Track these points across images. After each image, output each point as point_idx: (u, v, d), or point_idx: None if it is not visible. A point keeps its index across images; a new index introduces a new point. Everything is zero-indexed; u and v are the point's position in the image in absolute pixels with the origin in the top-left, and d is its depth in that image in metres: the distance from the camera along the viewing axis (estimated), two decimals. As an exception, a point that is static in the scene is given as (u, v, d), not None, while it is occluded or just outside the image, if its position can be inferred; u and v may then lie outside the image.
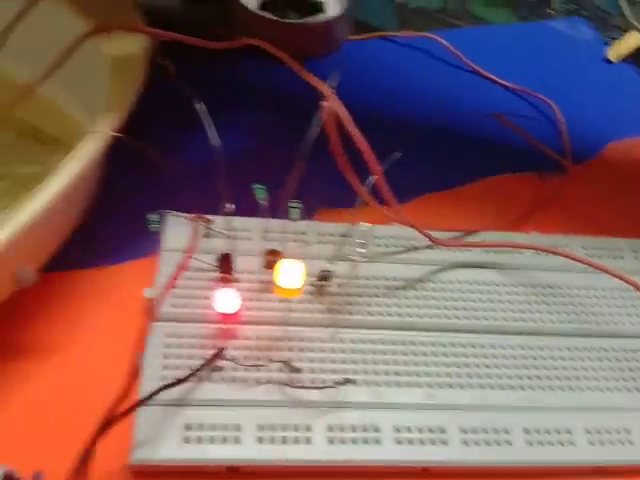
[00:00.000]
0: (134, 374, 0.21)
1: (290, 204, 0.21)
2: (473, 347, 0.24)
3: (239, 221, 0.25)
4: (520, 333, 0.24)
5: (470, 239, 0.27)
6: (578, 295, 0.26)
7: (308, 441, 0.20)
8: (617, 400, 0.23)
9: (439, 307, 0.24)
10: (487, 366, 0.23)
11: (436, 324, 0.24)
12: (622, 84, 0.39)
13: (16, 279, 0.19)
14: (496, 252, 0.27)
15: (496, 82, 0.36)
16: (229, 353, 0.21)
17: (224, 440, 0.20)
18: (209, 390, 0.21)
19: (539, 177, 0.32)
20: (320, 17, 0.33)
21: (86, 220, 0.25)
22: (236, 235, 0.24)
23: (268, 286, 0.23)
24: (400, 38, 0.37)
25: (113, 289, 0.24)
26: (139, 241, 0.25)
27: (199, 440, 0.20)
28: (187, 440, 0.20)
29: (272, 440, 0.20)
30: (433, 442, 0.21)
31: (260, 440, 0.20)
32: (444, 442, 0.21)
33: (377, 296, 0.24)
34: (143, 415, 0.20)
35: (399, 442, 0.21)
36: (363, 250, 0.20)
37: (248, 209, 0.23)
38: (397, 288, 0.25)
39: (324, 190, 0.27)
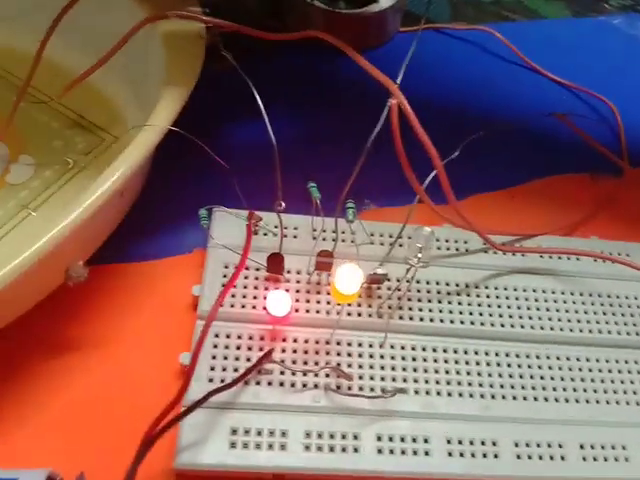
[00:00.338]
0: (181, 374, 0.21)
1: (347, 204, 0.20)
2: (528, 357, 0.23)
3: (289, 219, 0.24)
4: (577, 344, 0.23)
5: (526, 243, 0.26)
6: (638, 305, 0.25)
7: (356, 450, 0.20)
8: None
9: (493, 314, 0.23)
10: (542, 377, 0.22)
11: (490, 332, 0.23)
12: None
13: (68, 275, 0.18)
14: (553, 257, 0.25)
15: (552, 79, 0.35)
16: (278, 355, 0.21)
17: (270, 446, 0.19)
18: (255, 393, 0.20)
19: (591, 178, 0.31)
20: (374, 7, 0.32)
21: (133, 213, 0.24)
22: (285, 233, 0.24)
23: (317, 287, 0.23)
24: (453, 30, 0.36)
25: (158, 284, 0.24)
26: (185, 236, 0.25)
27: (245, 445, 0.19)
28: (233, 445, 0.19)
29: (319, 448, 0.20)
30: (485, 455, 0.20)
31: (307, 447, 0.20)
32: (496, 455, 0.20)
33: (429, 301, 0.23)
34: (189, 418, 0.19)
35: (450, 454, 0.20)
36: (421, 255, 0.19)
37: (296, 206, 0.22)
38: (449, 293, 0.24)
39: (373, 189, 0.27)
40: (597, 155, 0.32)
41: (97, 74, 0.24)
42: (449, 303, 0.23)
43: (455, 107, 0.32)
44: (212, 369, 0.20)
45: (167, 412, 0.18)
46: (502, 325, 0.23)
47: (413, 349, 0.22)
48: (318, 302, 0.23)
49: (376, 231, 0.25)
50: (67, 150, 0.26)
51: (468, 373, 0.22)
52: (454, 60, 0.35)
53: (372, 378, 0.21)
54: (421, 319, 0.23)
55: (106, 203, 0.19)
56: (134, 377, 0.21)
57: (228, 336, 0.21)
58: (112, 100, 0.28)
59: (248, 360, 0.21)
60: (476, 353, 0.22)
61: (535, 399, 0.22)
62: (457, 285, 0.24)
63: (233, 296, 0.22)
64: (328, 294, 0.23)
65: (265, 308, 0.22)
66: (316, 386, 0.21)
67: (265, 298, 0.22)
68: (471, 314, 0.23)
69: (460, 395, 0.21)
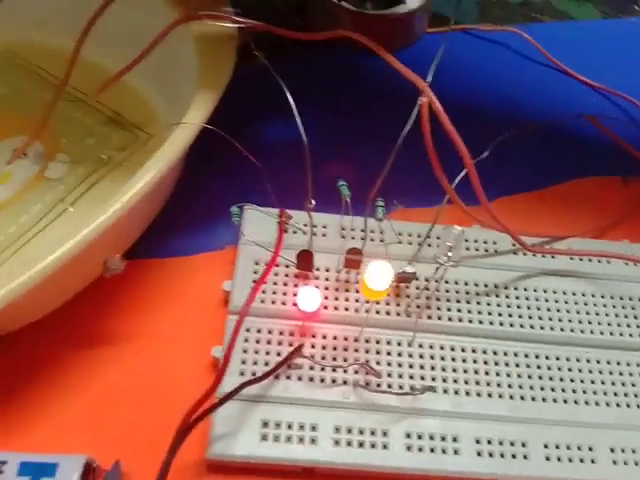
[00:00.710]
0: (212, 367, 0.21)
1: (377, 203, 0.20)
2: (557, 359, 0.23)
3: (318, 217, 0.24)
4: (606, 347, 0.23)
5: (556, 245, 0.25)
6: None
7: (385, 447, 0.20)
8: None
9: (523, 315, 0.23)
10: (572, 380, 0.22)
11: (519, 333, 0.23)
12: None
13: (106, 267, 0.19)
14: (583, 260, 0.25)
15: (581, 80, 0.34)
16: (307, 351, 0.21)
17: (301, 440, 0.20)
18: (286, 387, 0.21)
19: (623, 181, 0.31)
20: (401, 8, 0.32)
21: (166, 209, 0.25)
22: (314, 232, 0.24)
23: (346, 285, 0.23)
24: (480, 31, 0.36)
25: (190, 279, 0.24)
26: (217, 233, 0.25)
27: (276, 438, 0.19)
28: (264, 437, 0.19)
29: (349, 443, 0.20)
30: (514, 455, 0.20)
31: (337, 442, 0.20)
32: (525, 456, 0.20)
33: (458, 301, 0.23)
34: (221, 410, 0.19)
35: (479, 454, 0.20)
36: (451, 253, 0.19)
37: (325, 205, 0.23)
38: (478, 294, 0.24)
39: (402, 188, 0.27)
40: (627, 157, 0.31)
41: (131, 73, 0.25)
42: (478, 304, 0.23)
43: (483, 108, 0.32)
44: (243, 363, 0.21)
45: (201, 403, 0.18)
46: (531, 327, 0.23)
47: (442, 348, 0.22)
48: (347, 300, 0.23)
49: (404, 230, 0.25)
50: (102, 147, 0.27)
51: (497, 374, 0.22)
52: (482, 61, 0.35)
53: (400, 376, 0.21)
54: (450, 319, 0.23)
55: (144, 199, 0.19)
56: (167, 369, 0.22)
57: (259, 331, 0.22)
58: (145, 98, 0.28)
59: (278, 355, 0.21)
60: (505, 354, 0.22)
61: (565, 401, 0.22)
62: (486, 286, 0.24)
63: (263, 292, 0.22)
64: (357, 292, 0.23)
65: (295, 304, 0.22)
66: (345, 382, 0.21)
67: (295, 295, 0.22)
68: (500, 315, 0.23)
69: (489, 395, 0.21)
